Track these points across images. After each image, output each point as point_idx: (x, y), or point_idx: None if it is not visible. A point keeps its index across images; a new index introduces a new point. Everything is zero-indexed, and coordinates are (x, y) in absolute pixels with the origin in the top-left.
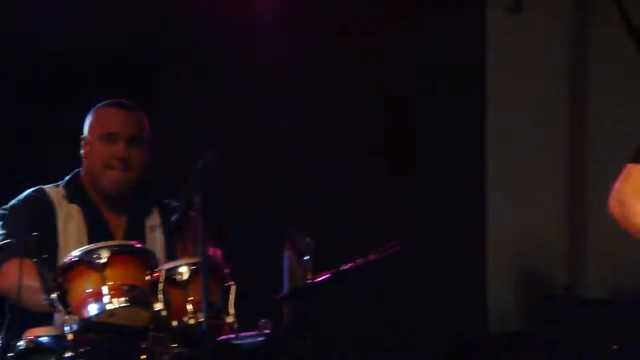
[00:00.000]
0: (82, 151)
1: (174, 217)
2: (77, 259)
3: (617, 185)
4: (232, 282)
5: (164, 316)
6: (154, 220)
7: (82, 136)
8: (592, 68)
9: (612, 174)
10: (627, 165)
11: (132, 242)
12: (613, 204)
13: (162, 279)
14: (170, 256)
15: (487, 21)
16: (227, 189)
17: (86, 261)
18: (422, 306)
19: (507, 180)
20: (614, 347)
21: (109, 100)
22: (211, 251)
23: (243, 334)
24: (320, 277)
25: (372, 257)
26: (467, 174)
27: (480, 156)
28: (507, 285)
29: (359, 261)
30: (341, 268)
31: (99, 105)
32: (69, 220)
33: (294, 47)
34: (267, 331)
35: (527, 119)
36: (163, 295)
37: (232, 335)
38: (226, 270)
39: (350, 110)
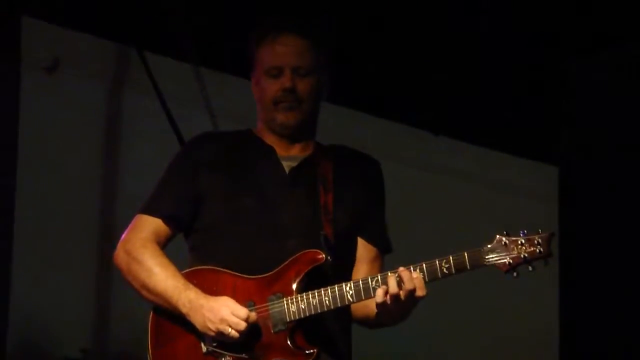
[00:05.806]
0: None
1: None
2: None
3: (125, 234)
4: None
5: None
6: None
7: None
8: (125, 130)
9: None
10: (137, 215)
11: None
12: (120, 254)
13: None
14: None
15: (22, 78)
16: None
17: None
18: None
19: (35, 240)
20: None
21: None
22: None
23: None
24: None
25: None
26: None
27: (9, 217)
28: (26, 349)
29: None
30: None
31: None
32: None
33: None
34: None
35: (60, 179)
36: None
37: None
38: None
39: None
